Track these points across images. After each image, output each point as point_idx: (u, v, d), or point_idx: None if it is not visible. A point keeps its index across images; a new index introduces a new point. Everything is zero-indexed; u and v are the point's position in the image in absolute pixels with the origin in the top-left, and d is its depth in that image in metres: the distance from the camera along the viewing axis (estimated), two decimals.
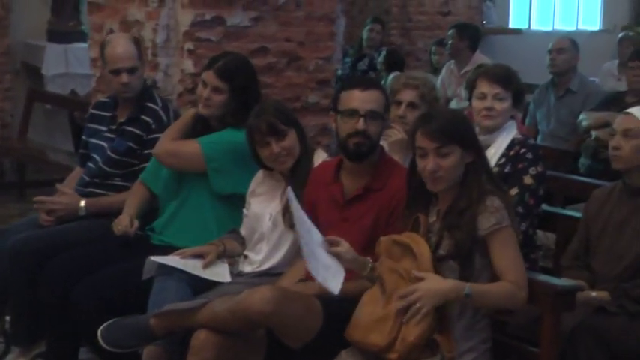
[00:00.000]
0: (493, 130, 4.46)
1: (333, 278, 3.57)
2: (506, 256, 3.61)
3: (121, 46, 4.92)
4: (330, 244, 3.67)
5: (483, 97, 4.46)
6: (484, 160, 3.77)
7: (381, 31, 9.74)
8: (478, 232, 3.61)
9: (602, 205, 4.22)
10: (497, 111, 4.43)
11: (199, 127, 4.61)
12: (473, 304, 3.61)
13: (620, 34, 10.02)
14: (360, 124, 3.91)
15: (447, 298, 3.55)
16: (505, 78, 4.48)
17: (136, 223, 4.57)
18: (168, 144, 4.58)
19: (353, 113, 3.93)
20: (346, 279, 3.67)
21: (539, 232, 5.27)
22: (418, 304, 3.51)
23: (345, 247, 3.68)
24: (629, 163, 4.08)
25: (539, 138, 7.43)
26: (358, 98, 3.94)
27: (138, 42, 5.04)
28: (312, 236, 3.66)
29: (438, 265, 3.62)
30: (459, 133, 3.67)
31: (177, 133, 4.61)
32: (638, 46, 8.35)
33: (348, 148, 3.96)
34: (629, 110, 4.16)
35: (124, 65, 4.87)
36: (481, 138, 4.46)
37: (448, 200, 3.71)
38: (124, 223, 4.55)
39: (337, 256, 3.67)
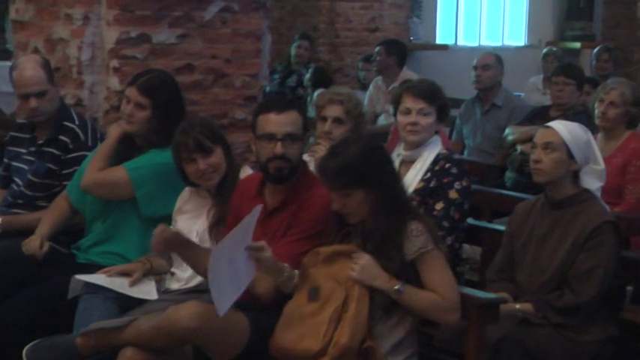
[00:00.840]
0: (418, 145, 4.52)
1: (225, 300, 3.57)
2: (435, 277, 3.69)
3: (28, 70, 4.84)
4: (255, 250, 3.68)
5: (408, 112, 4.50)
6: (394, 192, 3.75)
7: (309, 47, 9.78)
8: (405, 257, 3.68)
9: (525, 218, 4.29)
10: (422, 126, 4.48)
11: (125, 147, 4.59)
12: (402, 302, 3.67)
13: (545, 50, 10.20)
14: (278, 148, 3.91)
15: (377, 283, 3.64)
16: (430, 93, 4.53)
17: (46, 246, 4.55)
18: (95, 174, 4.54)
19: (270, 137, 3.93)
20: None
21: (466, 246, 5.36)
22: (353, 272, 3.62)
23: (267, 253, 3.69)
24: (549, 176, 4.15)
25: (466, 152, 7.54)
26: (274, 122, 3.93)
27: (47, 64, 4.96)
28: (233, 249, 3.65)
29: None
30: (358, 175, 3.68)
31: (102, 162, 4.56)
32: (563, 62, 8.53)
33: (269, 172, 3.97)
34: (550, 124, 4.22)
35: (32, 90, 4.81)
36: (406, 153, 4.54)
37: (365, 229, 3.76)
38: (34, 245, 4.52)
39: (258, 261, 3.68)
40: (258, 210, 3.69)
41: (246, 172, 4.42)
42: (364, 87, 8.91)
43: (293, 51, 9.75)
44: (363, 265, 3.66)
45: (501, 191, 5.85)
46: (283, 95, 4.44)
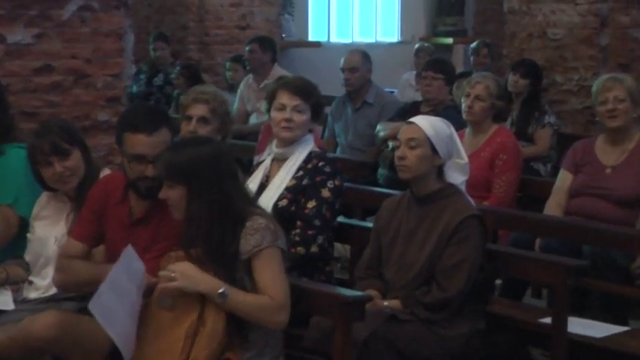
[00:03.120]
0: (291, 143, 4.53)
1: (126, 344, 3.54)
2: (266, 276, 3.66)
3: None
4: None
5: (283, 108, 4.51)
6: (225, 198, 3.69)
7: (166, 47, 9.70)
8: (241, 256, 3.67)
9: (392, 214, 4.34)
10: (296, 123, 4.49)
11: None
12: (227, 307, 3.63)
13: (417, 45, 10.35)
14: (150, 170, 3.87)
15: (201, 288, 3.60)
16: (305, 91, 4.54)
17: None
18: None
19: (141, 159, 3.88)
20: None
21: (338, 245, 5.40)
22: (175, 282, 3.58)
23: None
24: (414, 172, 4.19)
25: (338, 150, 7.60)
26: (145, 144, 3.87)
27: None
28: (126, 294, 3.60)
29: None
30: (184, 173, 3.66)
31: None
32: (432, 57, 8.67)
33: (139, 190, 3.94)
34: (412, 119, 4.27)
35: None
36: (279, 150, 4.55)
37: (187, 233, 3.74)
38: None
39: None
40: (130, 253, 3.62)
41: (106, 174, 4.36)
42: (232, 87, 8.88)
43: (151, 53, 9.69)
44: (182, 272, 3.61)
45: (373, 188, 5.91)
46: (150, 109, 4.33)
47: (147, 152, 3.87)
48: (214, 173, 3.70)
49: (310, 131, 4.62)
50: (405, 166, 4.21)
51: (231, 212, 3.68)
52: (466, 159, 4.32)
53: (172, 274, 3.60)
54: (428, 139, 4.17)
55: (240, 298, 3.63)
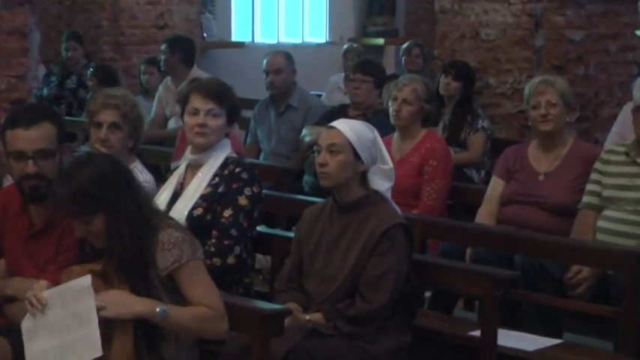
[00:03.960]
0: (206, 148, 4.52)
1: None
2: (197, 289, 3.67)
3: None
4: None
5: (196, 112, 4.49)
6: (135, 210, 3.65)
7: (79, 47, 9.60)
8: (160, 272, 3.65)
9: (314, 223, 4.35)
10: (211, 128, 4.47)
11: None
12: (169, 324, 3.63)
13: (345, 46, 10.38)
14: (30, 166, 3.85)
15: (136, 310, 3.56)
16: (220, 93, 4.53)
17: None
18: None
19: (20, 156, 3.86)
20: None
21: (260, 256, 5.40)
22: (105, 312, 3.52)
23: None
24: (336, 179, 4.21)
25: (261, 156, 7.59)
26: (23, 138, 3.85)
27: None
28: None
29: None
30: (94, 200, 3.57)
31: None
32: (361, 58, 8.69)
33: (24, 191, 3.90)
34: (334, 124, 4.27)
35: None
36: (193, 157, 4.54)
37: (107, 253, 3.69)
38: None
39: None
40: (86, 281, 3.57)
41: (10, 181, 4.32)
42: (147, 92, 8.81)
43: (63, 53, 9.60)
44: (109, 300, 3.56)
45: (298, 196, 5.90)
46: (32, 106, 4.31)
47: (25, 147, 3.84)
48: (121, 186, 3.66)
49: (227, 135, 4.61)
50: (326, 173, 4.22)
51: (144, 224, 3.66)
52: (391, 164, 4.34)
53: (102, 304, 3.54)
54: (350, 144, 4.18)
55: (180, 313, 3.63)
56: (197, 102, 4.49)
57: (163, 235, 3.66)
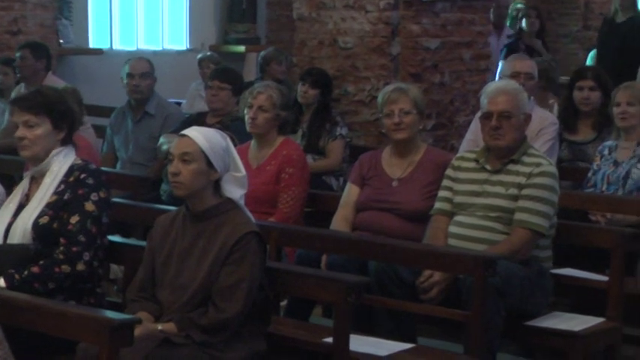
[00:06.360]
0: (36, 159, 4.50)
1: None
2: None
3: None
4: None
5: (17, 126, 4.48)
6: None
7: None
8: None
9: (166, 232, 4.36)
10: (30, 140, 4.45)
11: None
12: None
13: (199, 55, 10.34)
14: None
15: None
16: (35, 104, 4.47)
17: None
18: None
19: None
20: None
21: (114, 266, 5.37)
22: None
23: None
24: (189, 188, 4.22)
25: (118, 165, 7.55)
26: None
27: None
28: None
29: None
30: None
31: None
32: (219, 66, 8.72)
33: None
34: (185, 132, 4.28)
35: None
36: (34, 168, 4.51)
37: None
38: None
39: None
40: None
41: None
42: (2, 93, 8.69)
43: None
44: None
45: (155, 205, 5.87)
46: None
47: None
48: None
49: (71, 143, 4.57)
50: (179, 182, 4.22)
51: None
52: (244, 172, 4.37)
53: None
54: (202, 152, 4.20)
55: None
56: (15, 116, 4.51)
57: None
